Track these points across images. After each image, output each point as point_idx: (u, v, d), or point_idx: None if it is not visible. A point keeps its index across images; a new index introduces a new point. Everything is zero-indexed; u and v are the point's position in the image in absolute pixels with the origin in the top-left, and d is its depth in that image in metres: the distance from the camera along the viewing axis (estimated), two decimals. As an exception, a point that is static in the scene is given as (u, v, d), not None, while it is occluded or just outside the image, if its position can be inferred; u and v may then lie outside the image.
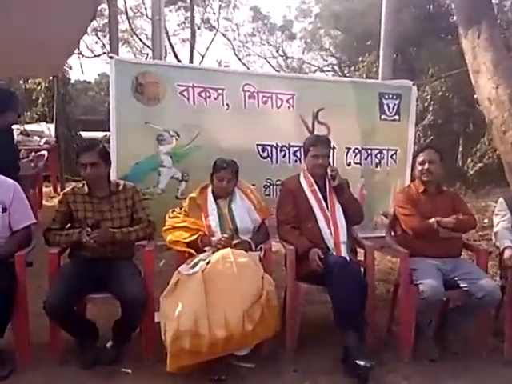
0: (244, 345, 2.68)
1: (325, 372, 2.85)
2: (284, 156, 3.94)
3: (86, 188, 3.00)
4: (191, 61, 20.23)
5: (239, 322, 2.58)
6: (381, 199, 4.25)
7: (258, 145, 3.88)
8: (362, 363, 2.66)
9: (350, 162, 4.13)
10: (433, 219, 3.11)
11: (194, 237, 3.02)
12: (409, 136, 4.34)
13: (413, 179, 3.49)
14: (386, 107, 4.21)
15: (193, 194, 3.23)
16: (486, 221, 5.94)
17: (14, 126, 4.91)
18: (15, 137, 5.28)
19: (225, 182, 3.17)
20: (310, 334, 3.25)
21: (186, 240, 3.01)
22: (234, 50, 22.30)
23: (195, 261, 2.86)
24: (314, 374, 2.83)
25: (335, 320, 2.91)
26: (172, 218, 3.15)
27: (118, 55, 3.90)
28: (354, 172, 4.10)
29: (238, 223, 3.11)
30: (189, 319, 2.53)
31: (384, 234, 3.54)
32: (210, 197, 3.20)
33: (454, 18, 11.53)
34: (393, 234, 3.47)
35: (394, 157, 4.28)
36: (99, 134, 11.10)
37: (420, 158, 3.30)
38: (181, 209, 3.19)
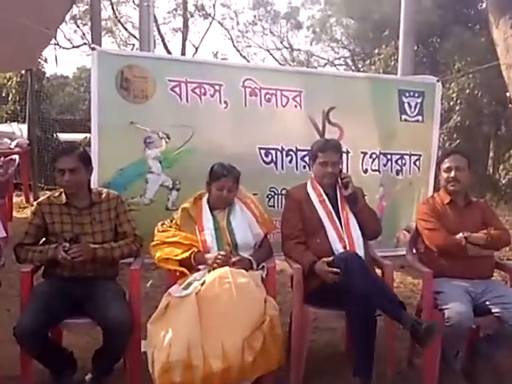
0: (243, 378, 2.66)
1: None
2: (290, 161, 3.96)
3: (63, 197, 2.99)
4: (183, 53, 20.42)
5: (238, 352, 2.57)
6: (403, 212, 4.25)
7: (260, 148, 3.89)
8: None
9: (366, 169, 4.15)
10: (460, 234, 3.11)
11: (186, 254, 3.02)
12: (433, 139, 4.36)
13: (437, 189, 3.49)
14: (406, 106, 4.23)
15: (186, 205, 3.22)
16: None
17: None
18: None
19: (225, 192, 3.14)
20: (318, 365, 3.24)
21: (178, 257, 3.01)
22: (232, 40, 22.49)
23: (188, 281, 2.85)
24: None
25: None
26: (162, 231, 3.15)
27: (100, 46, 3.93)
28: (371, 180, 4.11)
29: (237, 238, 3.11)
30: (180, 348, 2.52)
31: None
32: (205, 207, 3.20)
33: (484, 5, 11.65)
34: (415, 251, 3.47)
35: (417, 163, 4.30)
36: (78, 136, 11.18)
37: (445, 165, 3.31)
38: (172, 221, 3.19)
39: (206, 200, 3.23)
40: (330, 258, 2.98)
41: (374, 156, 4.17)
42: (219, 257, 2.95)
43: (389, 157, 4.21)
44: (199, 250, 3.05)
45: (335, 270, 2.92)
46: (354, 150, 4.06)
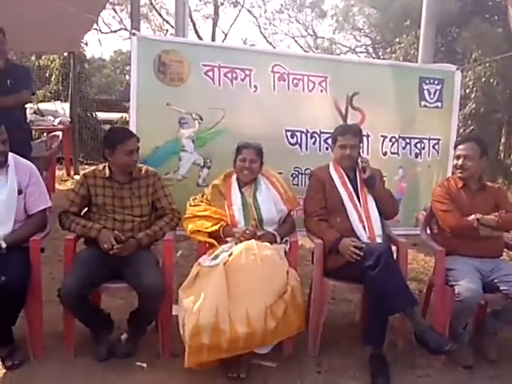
0: (266, 342, 2.69)
1: (349, 375, 2.87)
2: (314, 143, 3.93)
3: (107, 171, 3.02)
4: (213, 39, 20.28)
5: (261, 318, 2.60)
6: (422, 193, 4.19)
7: (286, 130, 3.87)
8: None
9: (385, 152, 4.10)
10: (473, 216, 3.08)
11: (216, 227, 3.05)
12: (452, 125, 4.27)
13: (453, 172, 3.44)
14: (426, 93, 4.16)
15: (216, 181, 3.25)
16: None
17: (27, 105, 4.99)
18: (28, 116, 5.37)
19: (247, 163, 3.17)
20: (334, 333, 3.28)
21: (208, 230, 3.04)
22: (259, 27, 22.26)
23: (217, 252, 2.89)
24: (337, 377, 2.86)
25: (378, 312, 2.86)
26: (193, 206, 3.18)
27: (139, 31, 3.92)
28: (390, 162, 4.07)
29: (262, 214, 3.13)
30: (209, 313, 2.55)
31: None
32: (234, 185, 3.22)
33: (502, -3, 11.32)
34: (429, 230, 3.45)
35: (436, 147, 4.23)
36: (115, 115, 11.25)
37: (457, 152, 3.26)
38: (203, 196, 3.22)
39: (235, 178, 3.25)
40: (359, 243, 2.95)
41: (393, 140, 4.12)
42: (247, 232, 2.97)
43: (408, 140, 4.15)
44: (227, 224, 3.08)
45: (358, 251, 2.90)
46: (374, 133, 4.02)
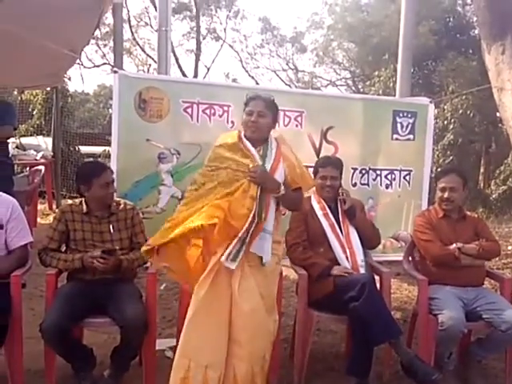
0: None
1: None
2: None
3: (84, 207, 2.99)
4: (196, 73, 20.53)
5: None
6: (391, 222, 4.33)
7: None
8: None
9: (355, 183, 4.23)
10: (454, 245, 3.12)
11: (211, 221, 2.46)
12: (425, 156, 4.41)
13: (433, 202, 3.49)
14: (399, 126, 4.30)
15: (228, 139, 2.71)
16: (510, 248, 5.93)
17: (10, 140, 4.99)
18: (10, 150, 5.35)
19: (254, 116, 2.68)
20: (320, 365, 3.25)
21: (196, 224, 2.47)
22: (241, 62, 22.63)
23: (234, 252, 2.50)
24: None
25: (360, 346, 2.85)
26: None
27: (122, 67, 3.98)
28: (360, 193, 4.14)
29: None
30: (216, 374, 2.49)
31: (393, 258, 3.57)
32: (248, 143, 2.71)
33: (476, 32, 11.72)
34: (411, 260, 3.47)
35: (407, 178, 4.36)
36: (98, 149, 11.25)
37: (440, 185, 3.29)
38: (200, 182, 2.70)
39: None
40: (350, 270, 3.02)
41: (363, 171, 4.25)
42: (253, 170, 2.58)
43: (378, 172, 4.30)
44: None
45: (348, 272, 2.97)
46: (345, 166, 4.08)
